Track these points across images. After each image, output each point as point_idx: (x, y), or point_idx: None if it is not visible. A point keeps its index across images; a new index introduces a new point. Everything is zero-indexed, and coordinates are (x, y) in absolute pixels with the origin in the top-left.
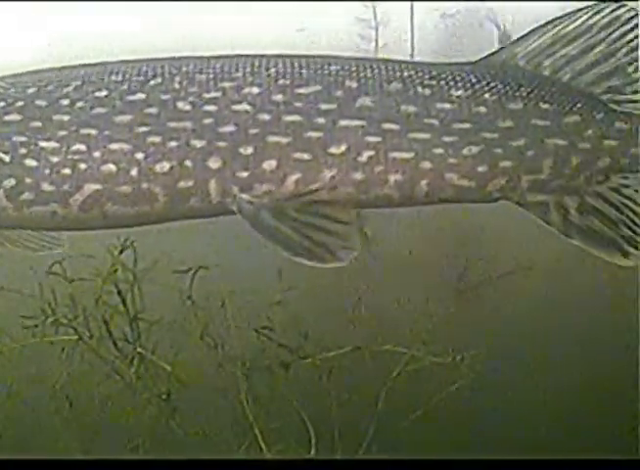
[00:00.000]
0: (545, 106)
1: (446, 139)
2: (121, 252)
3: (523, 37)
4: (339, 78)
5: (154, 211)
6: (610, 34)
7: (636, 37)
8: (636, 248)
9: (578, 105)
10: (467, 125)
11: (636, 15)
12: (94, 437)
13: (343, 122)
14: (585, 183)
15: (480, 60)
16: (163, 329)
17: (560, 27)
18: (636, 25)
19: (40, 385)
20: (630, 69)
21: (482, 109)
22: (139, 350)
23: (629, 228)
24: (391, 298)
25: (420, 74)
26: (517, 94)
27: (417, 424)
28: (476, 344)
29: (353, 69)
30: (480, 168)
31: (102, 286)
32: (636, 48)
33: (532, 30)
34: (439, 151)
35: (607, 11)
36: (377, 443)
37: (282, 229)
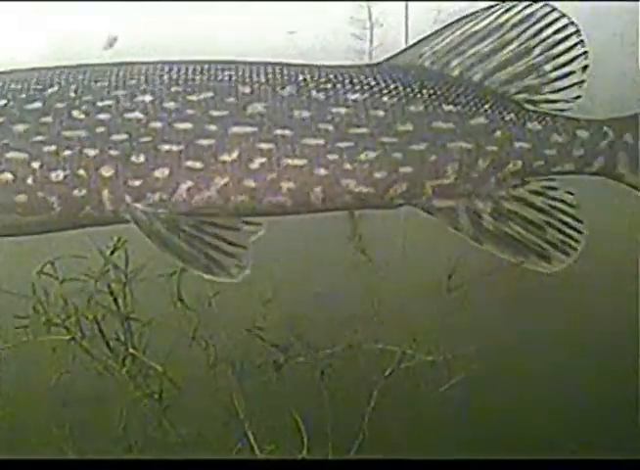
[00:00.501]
0: (449, 108)
1: (342, 144)
2: (113, 252)
3: (429, 37)
4: (232, 84)
5: (50, 219)
6: (523, 32)
7: (553, 34)
8: (564, 252)
9: (486, 106)
10: (363, 130)
11: (552, 11)
12: (87, 436)
13: (235, 129)
14: (498, 187)
15: (384, 61)
16: (155, 329)
17: (469, 26)
18: (552, 23)
19: (32, 384)
20: (547, 67)
21: (380, 112)
22: (131, 350)
23: (560, 231)
24: (381, 296)
25: (315, 78)
26: (418, 96)
27: (410, 424)
28: (467, 341)
29: (247, 74)
30: (379, 174)
31: (95, 286)
32: (553, 46)
33: (439, 30)
34: (334, 157)
35: (519, 8)
36: (369, 442)
37: (175, 242)
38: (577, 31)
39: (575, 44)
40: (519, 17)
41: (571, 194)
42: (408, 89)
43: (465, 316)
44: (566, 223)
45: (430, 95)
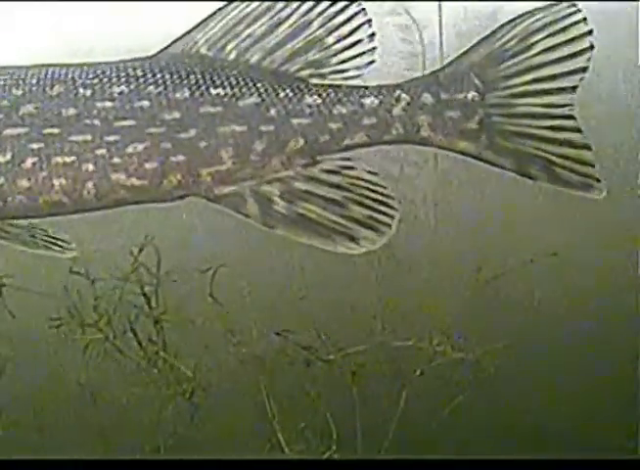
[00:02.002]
0: (216, 91)
1: (109, 138)
2: (141, 250)
3: (203, 22)
4: (6, 87)
5: None
6: (297, 8)
7: (330, 6)
8: (375, 229)
9: (258, 85)
10: (130, 122)
11: None
12: (116, 436)
13: (8, 131)
14: (284, 168)
15: (159, 52)
16: (187, 328)
17: (242, 8)
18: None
19: (64, 384)
20: (330, 40)
21: (146, 103)
22: (162, 354)
23: (367, 207)
24: (409, 292)
25: (83, 75)
26: (184, 83)
27: (441, 422)
28: (497, 337)
29: (22, 76)
30: (150, 166)
31: (124, 286)
32: (332, 17)
33: (212, 14)
34: (102, 151)
35: None
36: (399, 442)
37: None
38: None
39: (357, 13)
40: None
41: (375, 174)
42: (175, 76)
43: (496, 311)
44: (373, 198)
45: (196, 81)
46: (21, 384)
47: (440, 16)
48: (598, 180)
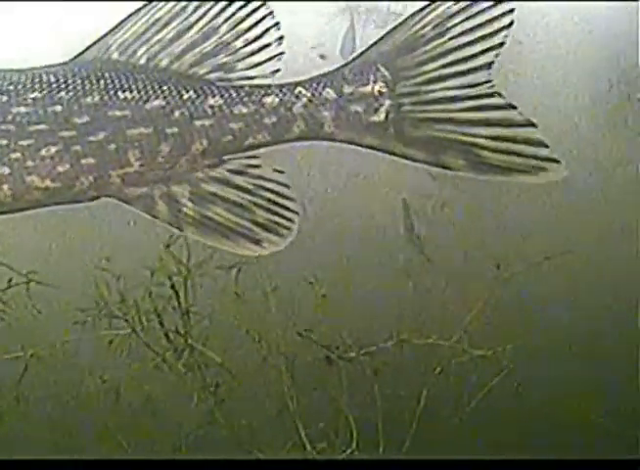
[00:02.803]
0: (124, 95)
1: (23, 142)
2: (168, 246)
3: (115, 28)
4: None
5: None
6: (206, 12)
7: (239, 10)
8: (277, 233)
9: (164, 88)
10: (43, 126)
11: None
12: (139, 432)
13: None
14: (191, 169)
15: (75, 58)
16: (213, 323)
17: (152, 13)
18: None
19: (87, 379)
20: (238, 43)
21: (58, 107)
22: (190, 341)
23: (269, 211)
24: (427, 288)
25: (0, 82)
26: (94, 87)
27: (462, 422)
28: (516, 335)
29: None
30: (62, 168)
31: (151, 279)
32: (241, 21)
33: (124, 20)
34: (16, 155)
35: None
36: (420, 441)
37: None
38: (264, 4)
39: (265, 17)
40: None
41: (281, 172)
42: (86, 82)
43: (516, 308)
44: (275, 203)
45: (106, 85)
46: (45, 380)
47: None
48: (552, 160)
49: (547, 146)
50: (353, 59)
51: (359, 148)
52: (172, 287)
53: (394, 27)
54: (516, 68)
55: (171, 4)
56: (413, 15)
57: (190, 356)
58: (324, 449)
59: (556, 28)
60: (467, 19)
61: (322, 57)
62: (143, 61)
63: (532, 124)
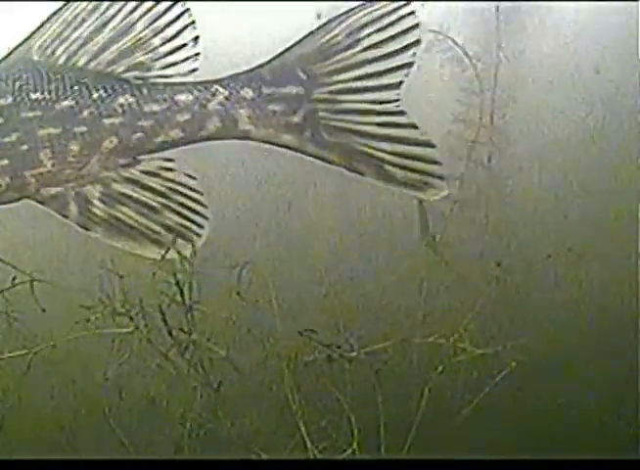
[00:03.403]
0: (35, 96)
1: None
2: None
3: (37, 29)
4: None
5: None
6: (121, 8)
7: (155, 6)
8: (185, 238)
9: (75, 88)
10: None
11: None
12: (141, 431)
13: None
14: (104, 168)
15: (1, 60)
16: (216, 322)
17: (71, 11)
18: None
19: (91, 377)
20: (155, 41)
21: None
22: (194, 337)
23: (180, 215)
24: (429, 286)
25: None
26: (9, 89)
27: (465, 421)
28: (517, 333)
29: None
30: None
31: (154, 276)
32: (157, 19)
33: (45, 20)
34: None
35: None
36: (421, 441)
37: None
38: (178, 1)
39: (181, 14)
40: None
41: (193, 178)
42: (2, 84)
43: (516, 306)
44: (187, 207)
45: (20, 86)
46: (48, 380)
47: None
48: (439, 178)
49: (440, 164)
50: (270, 60)
51: None
52: (177, 283)
53: (314, 31)
54: None
55: (88, 2)
56: (333, 19)
57: (194, 353)
58: (325, 448)
59: None
60: (377, 31)
61: None
62: (62, 60)
63: (430, 145)
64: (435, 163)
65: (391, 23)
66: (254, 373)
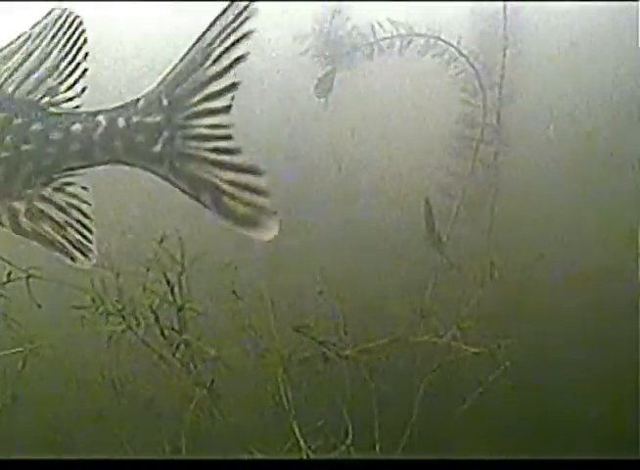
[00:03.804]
0: None
1: None
2: (161, 241)
3: None
4: None
5: None
6: (44, 38)
7: (74, 35)
8: (83, 253)
9: (1, 115)
10: None
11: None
12: (136, 430)
13: None
14: (26, 187)
15: None
16: (209, 321)
17: (9, 43)
18: (72, 24)
19: (86, 374)
20: (64, 67)
21: None
22: (185, 336)
23: (76, 231)
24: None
25: None
26: None
27: (459, 420)
28: (510, 332)
29: None
30: None
31: (146, 275)
32: (65, 44)
33: None
34: None
35: (50, 16)
36: (416, 441)
37: None
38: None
39: (77, 34)
40: (41, 26)
41: (86, 189)
42: None
43: (509, 305)
44: (80, 222)
45: None
46: (42, 376)
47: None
48: (266, 213)
49: (267, 196)
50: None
51: None
52: (168, 282)
53: (184, 54)
54: None
55: (28, 32)
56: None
57: (186, 352)
58: (319, 447)
59: None
60: (227, 49)
61: None
62: None
63: (255, 171)
64: (259, 192)
65: (237, 41)
66: (248, 371)
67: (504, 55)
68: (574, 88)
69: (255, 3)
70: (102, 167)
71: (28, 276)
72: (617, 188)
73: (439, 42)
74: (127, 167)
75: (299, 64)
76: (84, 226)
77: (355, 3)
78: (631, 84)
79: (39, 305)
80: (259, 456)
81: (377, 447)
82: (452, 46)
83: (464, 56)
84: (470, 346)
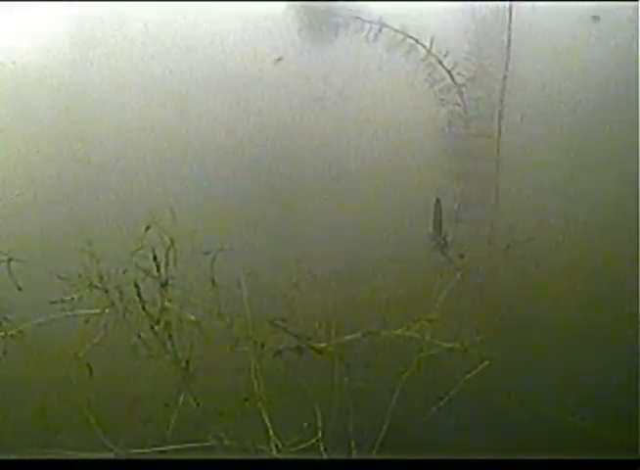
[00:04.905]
0: None
1: None
2: (147, 229)
3: None
4: None
5: None
6: None
7: None
8: None
9: None
10: None
11: None
12: (112, 414)
13: None
14: None
15: None
16: (187, 309)
17: None
18: None
19: (63, 357)
20: None
21: None
22: (167, 304)
23: None
24: (398, 278)
25: None
26: None
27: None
28: (488, 326)
29: None
30: None
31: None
32: None
33: None
34: None
35: None
36: (391, 439)
37: None
38: None
39: None
40: None
41: None
42: None
43: (479, 299)
44: None
45: None
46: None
47: None
48: None
49: None
50: None
51: None
52: (155, 258)
53: None
54: None
55: None
56: None
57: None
58: (288, 438)
59: None
60: None
61: None
62: None
63: None
64: None
65: None
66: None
67: None
68: None
69: None
70: None
71: (9, 260)
72: None
73: None
74: None
75: None
76: None
77: None
78: None
79: (19, 288)
80: (227, 442)
81: (352, 444)
82: None
83: None
84: (444, 341)
